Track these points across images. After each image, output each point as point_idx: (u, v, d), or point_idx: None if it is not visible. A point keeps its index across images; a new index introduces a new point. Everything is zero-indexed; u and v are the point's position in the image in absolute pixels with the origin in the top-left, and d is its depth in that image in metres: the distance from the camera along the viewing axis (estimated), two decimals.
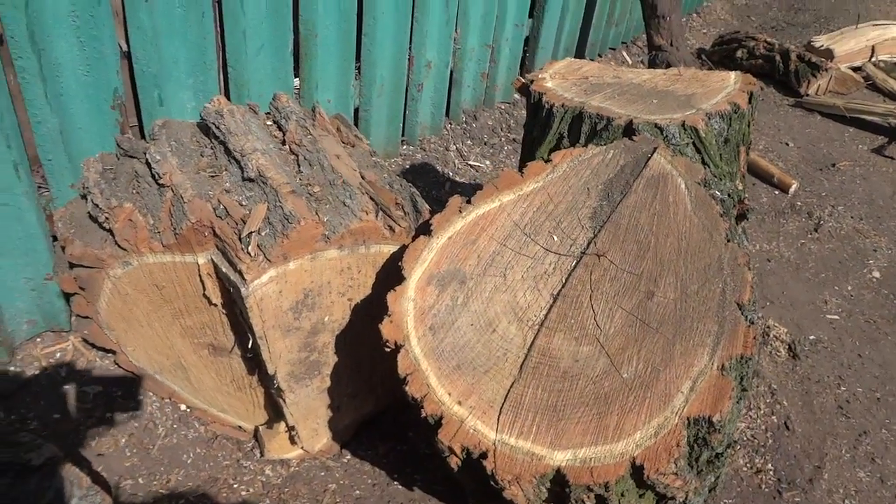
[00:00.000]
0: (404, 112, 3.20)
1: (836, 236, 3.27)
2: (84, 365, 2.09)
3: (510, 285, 1.42)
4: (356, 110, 2.96)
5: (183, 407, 2.04)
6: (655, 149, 1.60)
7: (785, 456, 2.15)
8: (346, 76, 2.77)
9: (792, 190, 3.54)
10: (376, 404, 2.00)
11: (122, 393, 2.05)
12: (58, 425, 1.93)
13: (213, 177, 1.55)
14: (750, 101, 2.03)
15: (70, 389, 2.02)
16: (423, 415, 1.29)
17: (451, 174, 3.29)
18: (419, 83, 3.18)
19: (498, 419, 1.27)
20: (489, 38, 3.52)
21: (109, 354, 2.09)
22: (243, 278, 1.39)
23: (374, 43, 2.82)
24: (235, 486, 1.89)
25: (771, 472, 2.09)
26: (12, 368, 2.03)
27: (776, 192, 3.56)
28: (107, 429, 1.96)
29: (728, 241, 1.44)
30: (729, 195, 1.95)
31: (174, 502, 1.81)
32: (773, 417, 2.27)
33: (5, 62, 1.78)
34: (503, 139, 3.67)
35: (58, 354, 2.11)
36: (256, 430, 1.96)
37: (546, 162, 1.61)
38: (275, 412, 1.92)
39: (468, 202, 1.55)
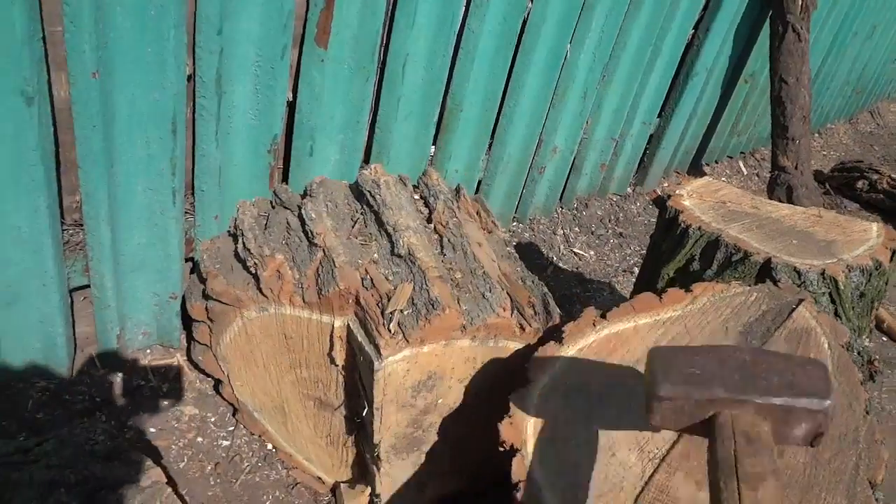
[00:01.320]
0: (522, 191, 3.26)
1: None
2: (185, 386, 2.17)
3: (634, 412, 1.41)
4: (479, 182, 3.03)
5: (269, 446, 2.08)
6: (801, 301, 1.58)
7: None
8: (478, 150, 2.85)
9: None
10: (458, 486, 1.99)
11: (216, 421, 2.11)
12: (152, 440, 2.01)
13: (363, 245, 1.61)
14: (892, 259, 1.98)
15: (169, 406, 2.10)
16: None
17: (555, 258, 3.31)
18: (542, 166, 3.23)
19: None
20: (616, 132, 3.56)
21: (209, 380, 2.17)
22: (379, 352, 1.43)
23: (510, 123, 2.89)
24: None
25: None
26: (121, 375, 2.13)
27: (883, 339, 3.42)
28: (196, 453, 2.01)
29: (867, 413, 1.40)
30: (859, 353, 1.90)
31: None
32: None
33: (187, 98, 1.91)
34: (610, 231, 3.68)
35: (163, 369, 2.20)
36: (336, 486, 1.99)
37: (686, 291, 1.61)
38: (359, 474, 1.95)
39: (603, 316, 1.56)
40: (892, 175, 4.93)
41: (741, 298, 1.61)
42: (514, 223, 3.36)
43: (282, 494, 2.01)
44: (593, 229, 3.61)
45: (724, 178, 4.69)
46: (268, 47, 1.91)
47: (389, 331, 1.42)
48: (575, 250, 3.43)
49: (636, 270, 3.30)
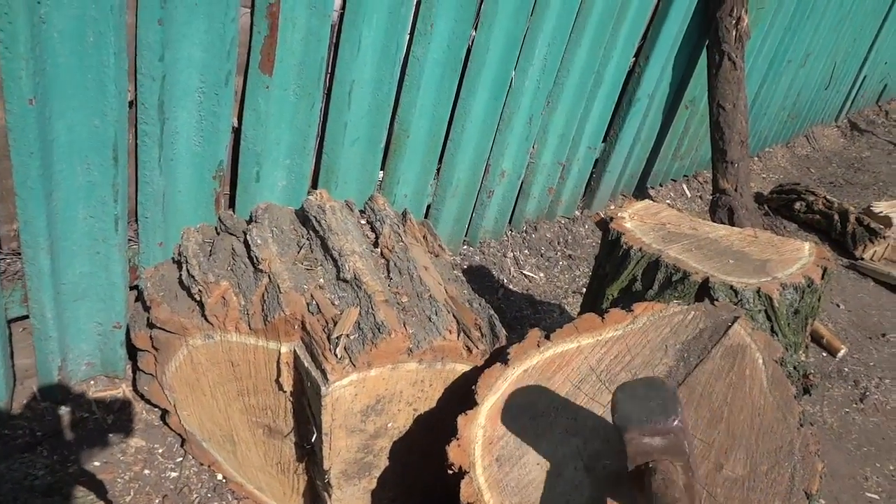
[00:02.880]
0: (471, 214, 3.30)
1: (882, 410, 3.22)
2: (130, 416, 2.13)
3: (580, 430, 1.44)
4: (428, 207, 3.06)
5: (219, 477, 2.04)
6: (737, 318, 1.64)
7: None
8: (427, 175, 2.88)
9: (840, 355, 3.52)
10: None
11: (163, 452, 2.07)
12: (96, 473, 1.95)
13: (308, 270, 1.61)
14: (823, 277, 2.07)
15: (114, 439, 2.05)
16: None
17: (505, 280, 3.35)
18: (490, 190, 3.28)
19: None
20: (563, 157, 3.64)
21: (156, 410, 2.12)
22: (326, 377, 1.43)
23: (457, 148, 2.93)
24: None
25: None
26: (63, 407, 2.07)
27: (823, 355, 3.55)
28: (143, 486, 1.97)
29: (801, 425, 1.45)
30: (795, 367, 1.97)
31: None
32: None
33: (129, 124, 1.89)
34: (559, 253, 3.74)
35: (108, 400, 2.15)
36: None
37: (627, 311, 1.65)
38: (311, 501, 1.92)
39: (547, 337, 1.58)
40: (828, 197, 5.14)
41: (679, 317, 1.66)
42: (465, 246, 3.39)
43: None
44: (543, 251, 3.67)
45: (668, 201, 4.83)
46: (211, 74, 1.91)
47: (336, 355, 1.42)
48: (525, 272, 3.48)
49: (584, 293, 3.36)
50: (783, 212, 5.21)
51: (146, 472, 2.00)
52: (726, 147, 3.99)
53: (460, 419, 1.44)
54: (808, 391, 1.95)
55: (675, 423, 1.15)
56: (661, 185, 4.84)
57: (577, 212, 4.08)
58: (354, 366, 1.43)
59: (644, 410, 1.17)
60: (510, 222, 3.63)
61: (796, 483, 1.37)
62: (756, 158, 6.22)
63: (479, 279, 3.28)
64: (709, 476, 1.37)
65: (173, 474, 2.02)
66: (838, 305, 4.11)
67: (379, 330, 1.43)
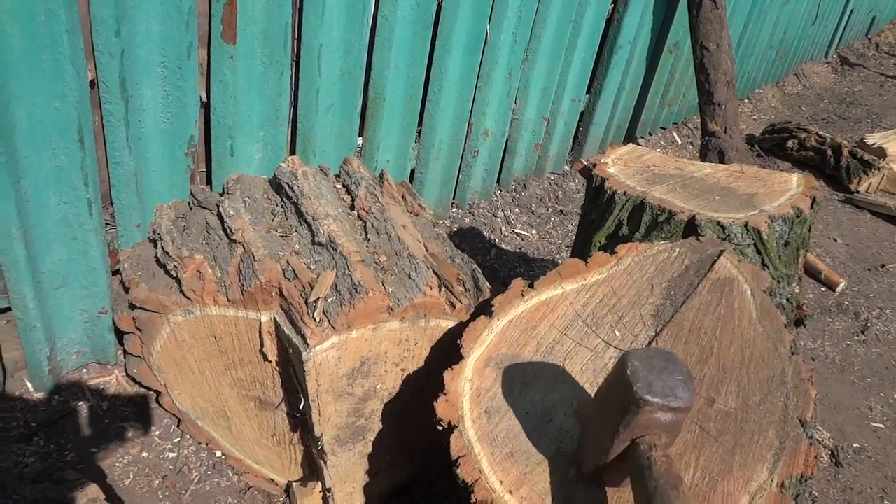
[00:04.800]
0: (458, 176, 3.26)
1: (884, 340, 3.21)
2: (126, 401, 2.12)
3: (568, 377, 1.42)
4: (412, 171, 3.01)
5: (218, 454, 2.04)
6: (722, 252, 1.61)
7: None
8: (407, 139, 2.83)
9: (839, 289, 3.50)
10: (411, 473, 1.98)
11: (161, 434, 2.06)
12: (95, 459, 1.95)
13: (283, 237, 1.58)
14: (812, 206, 2.03)
15: (110, 424, 2.04)
16: (473, 500, 1.28)
17: (497, 240, 3.32)
18: (475, 150, 3.23)
19: None
20: (546, 111, 3.58)
21: (151, 393, 2.11)
22: (306, 342, 1.40)
23: (437, 109, 2.88)
24: None
25: None
26: (57, 397, 2.06)
27: (823, 290, 3.52)
28: (142, 468, 1.96)
29: (793, 353, 1.43)
30: (787, 299, 1.94)
31: None
32: None
33: (93, 105, 1.85)
34: (550, 209, 3.70)
35: (101, 387, 2.14)
36: (289, 485, 1.96)
37: (610, 253, 1.62)
38: (310, 470, 1.92)
39: (531, 286, 1.56)
40: (820, 132, 5.07)
41: (664, 255, 1.63)
42: (454, 209, 3.35)
43: (234, 500, 1.97)
44: (533, 209, 3.63)
45: (659, 150, 4.76)
46: (172, 47, 1.87)
47: (314, 319, 1.39)
48: (517, 231, 3.45)
49: None
50: (776, 151, 5.15)
51: (144, 454, 1.99)
52: (712, 89, 3.92)
53: (447, 374, 1.42)
54: (802, 323, 1.92)
55: (692, 402, 1.11)
56: (650, 134, 4.78)
57: (566, 167, 4.03)
58: (334, 328, 1.40)
59: (666, 384, 1.09)
60: (498, 181, 3.59)
61: (790, 411, 1.35)
62: (746, 100, 6.14)
63: (471, 240, 3.24)
64: (700, 411, 1.35)
65: (172, 455, 2.01)
66: (835, 240, 4.07)
67: (356, 290, 1.41)
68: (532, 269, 3.24)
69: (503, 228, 3.41)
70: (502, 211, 3.50)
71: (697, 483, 1.26)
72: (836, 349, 3.12)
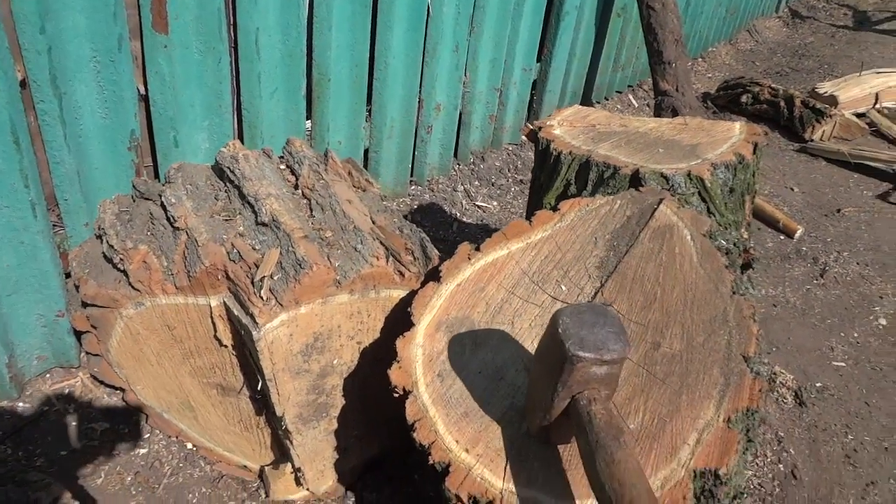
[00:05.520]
0: (413, 153, 3.25)
1: (842, 282, 3.28)
2: (92, 401, 2.11)
3: (518, 333, 1.44)
4: (366, 151, 3.01)
5: (189, 445, 2.04)
6: (662, 200, 1.63)
7: None
8: (357, 118, 2.82)
9: (797, 235, 3.56)
10: (382, 446, 2.00)
11: (129, 430, 2.06)
12: (64, 462, 1.94)
13: (227, 220, 1.58)
14: (755, 152, 2.07)
15: (77, 426, 2.03)
16: (431, 462, 1.30)
17: (458, 214, 3.33)
18: (429, 125, 3.23)
19: (505, 468, 1.27)
20: (497, 82, 3.59)
21: (118, 391, 2.10)
22: (255, 322, 1.41)
23: (384, 87, 2.88)
24: None
25: None
26: (21, 404, 2.04)
27: (781, 238, 3.59)
28: (113, 467, 1.96)
29: (734, 293, 1.46)
30: (734, 244, 1.97)
31: None
32: (780, 466, 2.26)
33: (27, 105, 1.83)
34: (510, 180, 3.72)
35: (66, 391, 2.12)
36: (262, 470, 1.97)
37: (554, 211, 1.64)
38: (281, 453, 1.93)
39: (477, 249, 1.57)
40: (773, 85, 5.14)
41: (606, 208, 1.65)
42: (413, 186, 3.36)
43: (208, 490, 1.97)
44: (493, 180, 3.65)
45: (616, 113, 4.79)
46: (101, 40, 1.84)
47: (262, 298, 1.40)
48: (478, 203, 3.46)
49: None
50: (731, 108, 5.21)
51: (114, 452, 1.99)
52: (661, 48, 3.95)
53: (399, 341, 1.43)
54: (749, 266, 1.96)
55: (627, 353, 1.12)
56: (606, 99, 4.80)
57: (523, 137, 4.04)
58: (282, 305, 1.41)
59: (598, 338, 1.10)
60: (456, 156, 3.59)
61: (733, 348, 1.38)
62: (700, 59, 6.19)
63: (432, 216, 3.25)
64: (647, 356, 1.38)
65: (142, 451, 2.01)
66: (792, 189, 4.14)
67: (300, 266, 1.41)
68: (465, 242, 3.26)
69: (464, 202, 3.42)
70: (462, 185, 3.51)
71: (647, 425, 1.29)
72: (796, 294, 3.18)
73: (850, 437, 2.43)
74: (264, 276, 1.41)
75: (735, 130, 2.18)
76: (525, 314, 1.47)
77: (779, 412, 2.48)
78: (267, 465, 1.95)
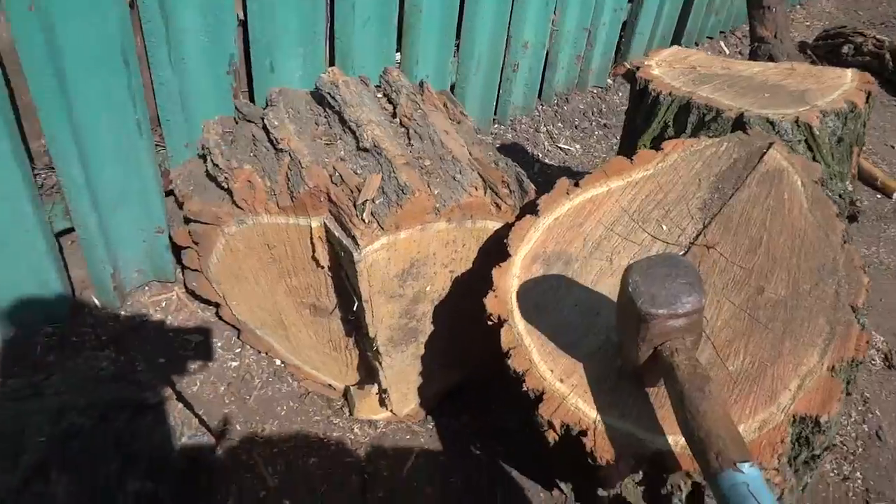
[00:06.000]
0: (498, 91, 3.21)
1: None
2: (187, 315, 2.21)
3: (616, 270, 1.43)
4: (452, 87, 2.99)
5: (278, 362, 2.13)
6: (771, 144, 1.57)
7: (875, 466, 2.09)
8: (446, 52, 2.79)
9: None
10: (463, 375, 2.05)
11: (222, 344, 2.16)
12: (163, 368, 2.05)
13: (328, 145, 1.60)
14: (867, 101, 1.96)
15: (174, 337, 2.14)
16: (525, 388, 1.32)
17: (540, 156, 3.29)
18: (515, 63, 3.18)
19: (598, 399, 1.28)
20: (587, 22, 3.48)
21: (210, 307, 2.20)
22: (356, 243, 1.44)
23: (474, 21, 2.83)
24: (325, 440, 1.97)
25: (859, 481, 2.04)
26: (123, 313, 2.16)
27: (878, 197, 3.42)
28: (207, 376, 2.06)
29: (844, 242, 1.41)
30: (840, 195, 1.90)
31: (269, 450, 1.90)
32: (865, 426, 2.21)
33: (135, 27, 1.87)
34: (594, 124, 3.64)
35: (163, 303, 2.23)
36: (347, 389, 2.04)
37: (656, 150, 1.61)
38: (366, 374, 1.99)
39: (576, 185, 1.56)
40: (878, 36, 4.82)
41: (711, 150, 1.61)
42: (495, 125, 3.32)
43: (295, 404, 2.06)
44: (577, 123, 3.58)
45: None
46: None
47: (364, 221, 1.43)
48: (560, 146, 3.41)
49: None
50: (830, 58, 4.92)
51: (209, 363, 2.09)
52: None
53: (495, 271, 1.45)
54: (854, 219, 1.89)
55: (703, 303, 1.10)
56: (696, 45, 4.61)
57: (608, 80, 3.93)
58: (383, 229, 1.43)
59: (670, 293, 1.09)
60: (540, 96, 3.53)
61: (841, 298, 1.34)
62: (799, 6, 5.85)
63: (514, 156, 3.22)
64: (749, 300, 1.36)
65: (234, 364, 2.11)
66: (893, 147, 3.93)
67: (403, 191, 1.43)
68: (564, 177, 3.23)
69: (546, 144, 3.38)
70: (545, 126, 3.46)
71: (747, 368, 1.28)
72: (891, 255, 3.05)
73: None
74: (367, 200, 1.43)
75: (847, 77, 2.07)
76: (624, 252, 1.46)
77: (866, 373, 2.41)
78: (352, 385, 2.03)
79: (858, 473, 2.07)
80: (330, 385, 2.06)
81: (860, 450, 2.13)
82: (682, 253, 1.44)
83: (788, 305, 1.34)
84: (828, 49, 4.95)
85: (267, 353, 2.11)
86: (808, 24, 5.72)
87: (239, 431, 1.93)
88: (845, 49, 4.83)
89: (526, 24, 3.09)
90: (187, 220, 1.81)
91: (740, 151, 1.59)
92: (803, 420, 1.22)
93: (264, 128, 1.70)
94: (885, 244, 3.11)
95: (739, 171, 1.55)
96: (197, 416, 1.67)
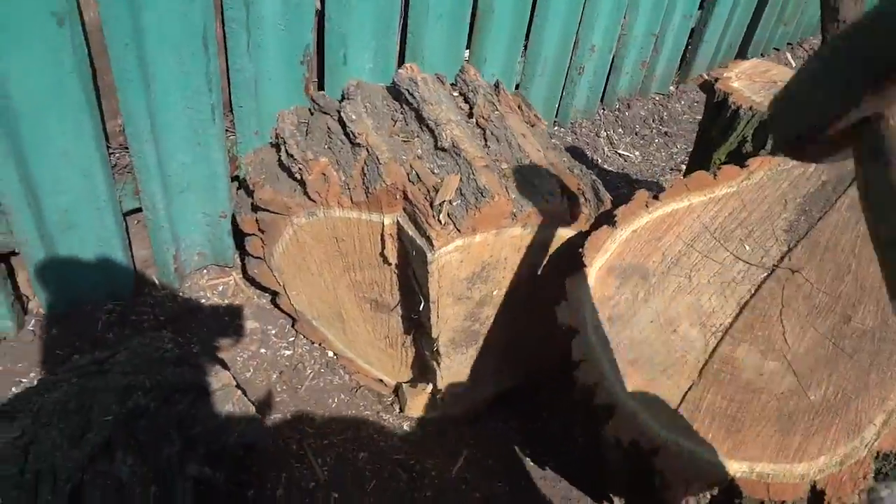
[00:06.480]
0: (561, 93, 3.18)
1: None
2: (243, 301, 2.23)
3: (695, 287, 1.39)
4: (516, 86, 2.96)
5: (330, 353, 2.13)
6: None
7: None
8: (514, 52, 2.77)
9: None
10: (515, 381, 2.03)
11: (276, 333, 2.17)
12: (217, 352, 2.07)
13: (405, 142, 1.59)
14: None
15: (230, 321, 2.16)
16: (595, 403, 1.30)
17: (599, 161, 3.25)
18: (580, 66, 3.14)
19: (671, 419, 1.25)
20: (656, 27, 3.42)
21: (266, 294, 2.21)
22: (431, 244, 1.43)
23: (544, 22, 2.80)
24: (375, 435, 1.97)
25: None
26: (181, 294, 2.19)
27: None
28: (261, 363, 2.08)
29: None
30: None
31: (319, 441, 1.91)
32: None
33: (216, 11, 1.88)
34: (654, 131, 3.58)
35: (220, 287, 2.25)
36: (399, 386, 2.03)
37: (741, 167, 1.56)
38: (419, 372, 1.98)
39: (655, 198, 1.52)
40: None
41: (799, 171, 1.56)
42: (556, 127, 3.29)
43: (346, 397, 2.06)
44: (637, 130, 3.52)
45: None
46: None
47: (440, 221, 1.41)
48: (620, 152, 3.36)
49: (683, 169, 3.22)
50: None
51: (262, 350, 2.11)
52: (837, 3, 3.63)
53: (569, 280, 1.42)
54: None
55: None
56: (762, 55, 4.50)
57: (671, 87, 3.87)
58: (459, 231, 1.42)
59: None
60: (602, 100, 3.48)
61: None
62: None
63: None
64: (835, 329, 1.31)
65: (287, 352, 2.12)
66: None
67: (482, 194, 1.41)
68: (635, 190, 3.17)
69: (606, 149, 3.33)
70: (605, 131, 3.41)
71: (830, 399, 1.24)
72: None
73: None
74: (445, 201, 1.42)
75: None
76: (704, 269, 1.42)
77: None
78: (404, 383, 2.02)
79: None
80: (381, 381, 2.06)
81: None
82: (765, 275, 1.39)
83: (876, 337, 1.30)
84: None
85: (321, 345, 2.11)
86: None
87: (289, 421, 1.94)
88: None
89: (595, 27, 3.04)
90: (255, 208, 1.82)
91: (830, 174, 1.54)
92: (887, 457, 1.18)
93: (340, 121, 1.69)
94: None
95: (829, 193, 1.50)
96: (253, 403, 1.68)
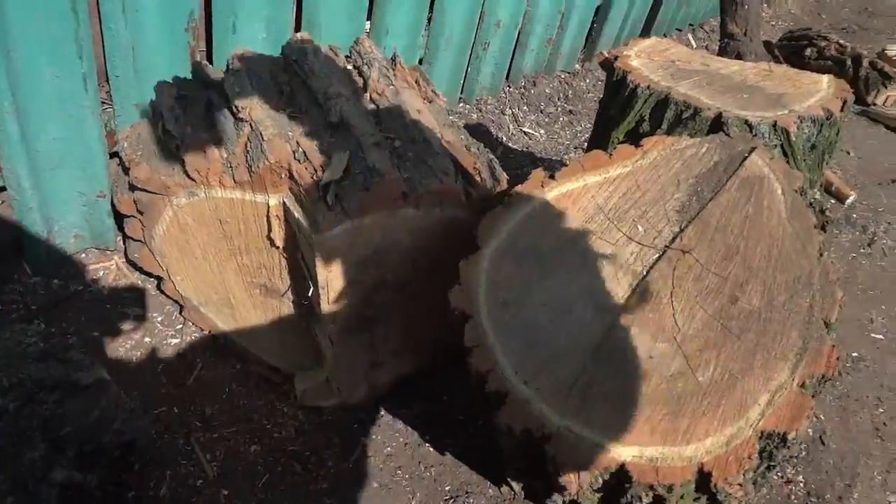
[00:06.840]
0: (466, 69, 3.12)
1: (890, 254, 3.18)
2: (126, 287, 2.08)
3: (589, 269, 1.37)
4: (420, 61, 2.88)
5: (221, 341, 2.02)
6: (754, 149, 1.53)
7: (817, 470, 2.12)
8: (417, 25, 2.69)
9: (849, 201, 3.44)
10: (416, 365, 1.98)
11: (163, 320, 2.04)
12: (97, 343, 1.93)
13: (292, 118, 1.49)
14: (843, 109, 1.95)
15: (111, 309, 2.01)
16: (487, 390, 1.26)
17: (504, 139, 3.22)
18: (486, 41, 3.08)
19: (565, 404, 1.23)
20: (562, 4, 3.41)
21: (152, 279, 2.07)
22: (318, 227, 1.35)
23: None
24: (268, 426, 1.88)
25: (801, 485, 2.06)
26: (56, 281, 2.02)
27: (832, 202, 3.47)
28: (144, 353, 1.95)
29: (821, 255, 1.38)
30: (811, 204, 1.88)
31: (208, 435, 1.80)
32: (809, 430, 2.23)
33: None
34: (559, 109, 3.58)
35: (101, 272, 2.10)
36: (293, 374, 1.95)
37: (636, 146, 1.55)
38: (315, 359, 1.91)
39: (551, 177, 1.49)
40: (840, 41, 4.88)
41: (692, 151, 1.56)
42: (461, 104, 3.23)
43: (238, 387, 1.96)
44: (542, 108, 3.51)
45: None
46: None
47: (327, 203, 1.33)
48: (525, 129, 3.34)
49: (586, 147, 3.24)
50: (793, 60, 4.96)
51: (146, 339, 1.98)
52: None
53: (462, 264, 1.38)
54: (823, 228, 1.88)
55: None
56: (665, 36, 4.58)
57: (577, 65, 3.88)
58: (347, 213, 1.34)
59: None
60: (507, 78, 3.45)
61: (815, 312, 1.32)
62: (764, 5, 5.89)
63: (478, 137, 3.09)
64: (723, 309, 1.32)
65: (174, 341, 2.00)
66: (848, 153, 3.99)
67: (371, 174, 1.34)
68: (539, 168, 3.17)
69: (511, 127, 3.31)
70: (510, 108, 3.38)
71: (717, 380, 1.24)
72: (841, 261, 3.09)
73: (881, 410, 2.39)
74: (332, 181, 1.33)
75: (823, 84, 2.05)
76: (598, 251, 1.40)
77: None
78: (299, 370, 1.94)
79: (801, 477, 2.08)
80: (276, 369, 1.97)
81: (804, 453, 2.15)
82: (657, 256, 1.39)
83: (762, 317, 1.31)
84: (791, 50, 5.00)
85: (210, 332, 2.00)
86: (772, 23, 5.77)
87: (176, 414, 1.82)
88: (808, 52, 4.88)
89: (501, 2, 3.00)
90: (133, 188, 1.68)
91: (722, 154, 1.55)
92: (770, 436, 1.19)
93: (223, 94, 1.58)
94: (836, 249, 3.16)
95: (720, 174, 1.51)
96: (133, 397, 1.56)
